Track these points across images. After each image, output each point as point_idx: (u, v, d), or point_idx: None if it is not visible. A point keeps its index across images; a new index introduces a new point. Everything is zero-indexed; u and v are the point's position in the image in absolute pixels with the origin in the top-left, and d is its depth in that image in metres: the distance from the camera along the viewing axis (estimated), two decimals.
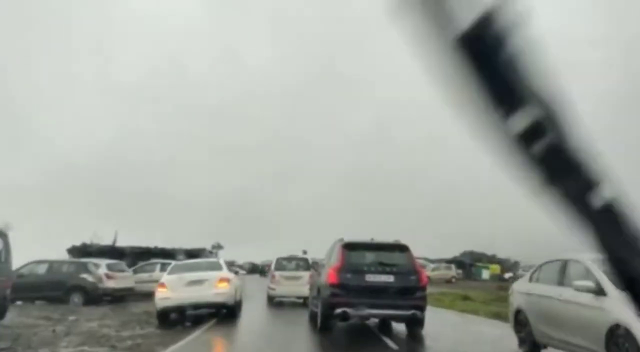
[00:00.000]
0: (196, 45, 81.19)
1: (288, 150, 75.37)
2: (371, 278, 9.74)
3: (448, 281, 39.70)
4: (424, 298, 9.99)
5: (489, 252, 57.61)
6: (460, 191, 68.72)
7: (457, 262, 50.36)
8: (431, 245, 49.62)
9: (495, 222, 57.05)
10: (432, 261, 47.50)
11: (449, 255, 53.94)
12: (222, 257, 20.45)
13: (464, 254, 55.74)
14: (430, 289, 11.45)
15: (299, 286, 16.48)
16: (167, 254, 26.46)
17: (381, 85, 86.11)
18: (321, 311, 10.18)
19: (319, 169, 75.28)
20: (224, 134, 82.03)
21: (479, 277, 46.50)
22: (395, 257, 10.26)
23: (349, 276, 9.74)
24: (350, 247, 10.25)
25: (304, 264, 18.05)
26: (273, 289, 17.71)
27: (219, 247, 36.54)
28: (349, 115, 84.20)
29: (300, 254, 20.00)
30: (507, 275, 43.42)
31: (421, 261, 27.01)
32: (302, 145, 79.20)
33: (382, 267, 9.91)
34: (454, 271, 44.21)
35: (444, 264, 46.53)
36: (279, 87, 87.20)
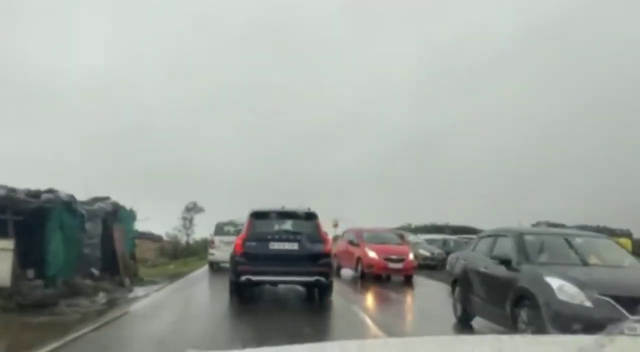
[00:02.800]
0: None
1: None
2: (275, 246, 10.05)
3: None
4: (328, 265, 10.23)
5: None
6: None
7: None
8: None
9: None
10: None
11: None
12: None
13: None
14: None
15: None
16: None
17: None
18: (230, 279, 10.57)
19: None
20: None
21: None
22: (302, 225, 10.45)
23: (253, 244, 10.08)
24: (257, 216, 10.51)
25: (240, 228, 17.32)
26: (212, 254, 17.94)
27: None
28: None
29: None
30: None
31: None
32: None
33: (287, 235, 10.21)
34: None
35: None
36: None
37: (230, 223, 18.53)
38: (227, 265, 15.85)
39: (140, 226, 17.46)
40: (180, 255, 27.16)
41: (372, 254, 15.96)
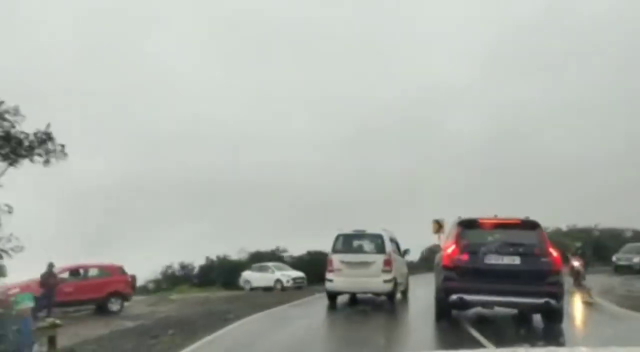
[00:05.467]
0: None
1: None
2: (492, 260, 8.94)
3: None
4: (559, 284, 8.82)
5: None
6: None
7: None
8: None
9: None
10: None
11: None
12: None
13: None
14: None
15: (369, 276, 12.77)
16: None
17: None
18: (435, 298, 9.60)
19: None
20: None
21: None
22: (523, 236, 9.15)
23: (465, 257, 9.09)
24: (467, 225, 9.45)
25: (378, 242, 13.30)
26: (330, 281, 13.31)
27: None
28: None
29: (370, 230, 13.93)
30: None
31: None
32: None
33: (506, 247, 8.96)
34: None
35: None
36: None
37: (361, 234, 13.78)
38: (363, 296, 13.73)
39: None
40: None
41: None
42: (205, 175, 55.15)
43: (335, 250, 13.44)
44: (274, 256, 35.64)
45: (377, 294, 13.26)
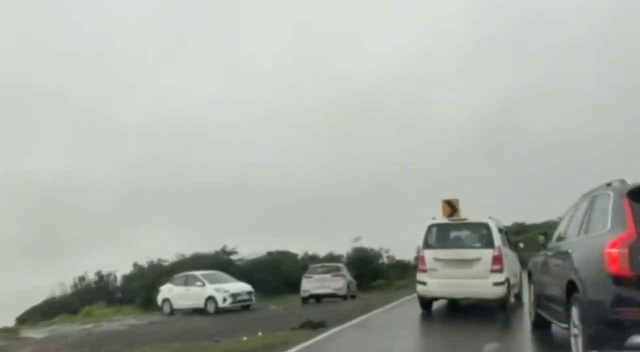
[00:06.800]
0: None
1: None
2: None
3: None
4: None
5: None
6: None
7: None
8: None
9: None
10: None
11: None
12: None
13: None
14: None
15: (473, 277, 10.09)
16: None
17: None
18: (585, 330, 4.59)
19: None
20: None
21: None
22: None
23: None
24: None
25: (483, 234, 10.47)
26: (423, 283, 10.62)
27: None
28: None
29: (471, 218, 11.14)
30: None
31: None
32: None
33: None
34: None
35: None
36: None
37: (461, 224, 10.96)
38: (463, 302, 11.21)
39: None
40: None
41: None
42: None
43: (427, 244, 10.77)
44: (217, 260, 26.01)
45: (485, 301, 10.61)
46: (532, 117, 55.06)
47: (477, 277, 10.00)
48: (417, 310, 11.04)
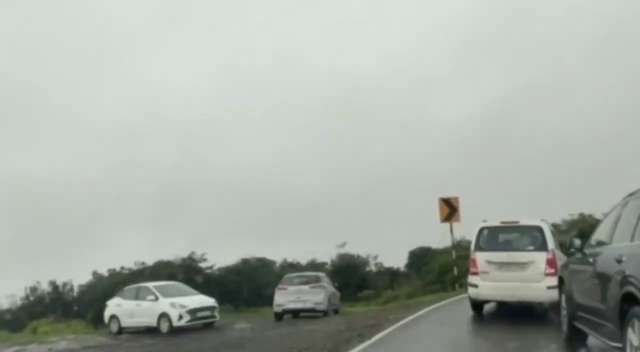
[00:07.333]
0: None
1: None
2: None
3: None
4: None
5: None
6: None
7: None
8: None
9: None
10: None
11: None
12: None
13: None
14: None
15: (526, 281, 9.76)
16: None
17: None
18: None
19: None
20: None
21: None
22: None
23: None
24: None
25: (536, 236, 10.18)
26: (474, 286, 10.37)
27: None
28: None
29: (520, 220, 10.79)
30: None
31: None
32: None
33: None
34: None
35: None
36: None
37: (514, 226, 10.65)
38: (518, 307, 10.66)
39: None
40: None
41: None
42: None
43: (478, 247, 10.61)
44: (184, 268, 22.97)
45: (539, 304, 10.68)
46: (532, 117, 53.36)
47: (530, 280, 9.94)
48: None
